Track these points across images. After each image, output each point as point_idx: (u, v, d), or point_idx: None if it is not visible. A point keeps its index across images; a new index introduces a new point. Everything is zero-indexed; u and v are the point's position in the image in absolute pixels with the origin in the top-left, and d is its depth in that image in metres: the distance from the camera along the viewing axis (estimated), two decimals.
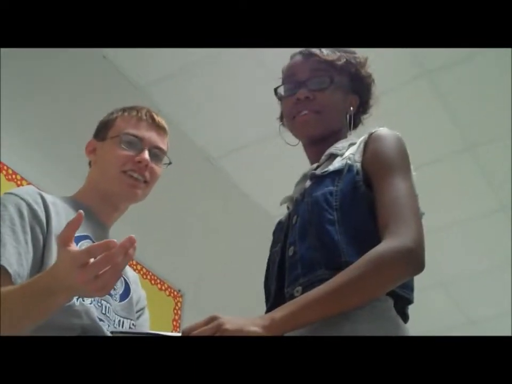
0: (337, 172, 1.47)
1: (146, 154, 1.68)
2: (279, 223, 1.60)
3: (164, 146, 1.75)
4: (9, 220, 1.50)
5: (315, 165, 1.57)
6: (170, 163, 1.77)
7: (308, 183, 1.53)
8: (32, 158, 2.83)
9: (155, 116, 1.76)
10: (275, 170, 3.86)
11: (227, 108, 3.67)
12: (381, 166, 1.44)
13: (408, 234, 1.32)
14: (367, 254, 1.31)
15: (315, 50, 1.63)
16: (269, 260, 1.56)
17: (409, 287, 1.41)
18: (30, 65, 2.95)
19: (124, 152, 1.68)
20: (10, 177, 2.69)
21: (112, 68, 3.41)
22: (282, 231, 1.54)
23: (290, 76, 1.66)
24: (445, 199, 4.01)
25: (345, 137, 1.61)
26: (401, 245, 1.30)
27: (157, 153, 1.73)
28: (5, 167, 2.69)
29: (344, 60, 1.63)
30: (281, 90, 1.67)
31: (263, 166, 3.97)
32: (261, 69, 3.36)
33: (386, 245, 1.31)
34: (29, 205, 1.54)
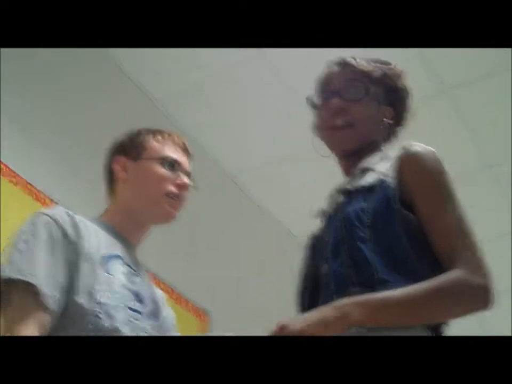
0: (370, 188, 1.44)
1: (186, 178, 1.73)
2: (313, 237, 1.58)
3: (191, 172, 1.79)
4: (40, 240, 1.51)
5: (348, 179, 1.55)
6: (196, 187, 1.79)
7: (341, 198, 1.51)
8: (54, 173, 2.86)
9: (185, 141, 1.80)
10: (297, 187, 3.87)
11: (249, 125, 3.68)
12: (430, 191, 1.42)
13: (484, 271, 1.33)
14: (449, 278, 1.32)
15: (350, 60, 1.60)
16: (301, 273, 1.54)
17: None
18: (50, 80, 3.00)
19: (166, 174, 1.71)
20: (14, 179, 2.71)
21: (130, 82, 3.41)
22: (314, 246, 1.53)
23: (324, 85, 1.63)
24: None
25: (380, 150, 1.59)
26: (481, 282, 1.32)
27: (189, 179, 1.76)
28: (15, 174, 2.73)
29: (380, 71, 1.61)
30: (314, 99, 1.65)
31: (284, 184, 3.97)
32: (283, 87, 3.38)
33: (467, 276, 1.32)
34: (60, 226, 1.55)
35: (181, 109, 3.55)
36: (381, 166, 1.49)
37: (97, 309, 1.49)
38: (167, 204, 1.69)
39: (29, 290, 1.44)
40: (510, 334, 4.20)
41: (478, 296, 1.32)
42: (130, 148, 1.76)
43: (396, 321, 1.31)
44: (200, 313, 3.48)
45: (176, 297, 3.32)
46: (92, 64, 3.21)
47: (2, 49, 2.54)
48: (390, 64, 1.66)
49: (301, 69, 3.19)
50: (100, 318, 1.48)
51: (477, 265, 1.34)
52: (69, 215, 1.59)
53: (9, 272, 1.45)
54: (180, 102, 3.53)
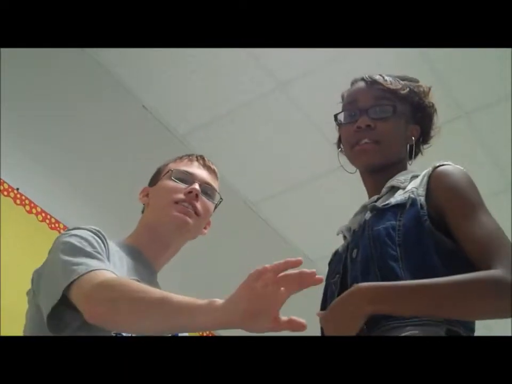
0: (400, 206, 1.43)
1: (196, 185, 1.71)
2: (336, 254, 1.57)
3: (214, 184, 1.78)
4: (84, 241, 1.51)
5: (375, 197, 1.54)
6: (221, 200, 1.79)
7: (368, 215, 1.49)
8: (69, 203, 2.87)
9: (206, 159, 1.81)
10: (314, 214, 3.86)
11: (265, 154, 3.70)
12: (460, 203, 1.40)
13: None
14: (487, 274, 1.27)
15: (378, 78, 1.61)
16: (325, 290, 1.53)
17: (472, 330, 1.38)
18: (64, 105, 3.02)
19: (175, 185, 1.71)
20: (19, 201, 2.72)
21: (151, 116, 3.46)
22: (340, 262, 1.51)
23: (351, 102, 1.62)
24: None
25: (405, 168, 1.59)
26: None
27: (207, 189, 1.75)
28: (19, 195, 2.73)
29: (408, 89, 1.61)
30: (341, 117, 1.64)
31: (301, 210, 3.97)
32: (298, 113, 3.39)
33: (506, 275, 1.26)
34: (97, 235, 1.56)
35: (200, 140, 3.57)
36: (410, 185, 1.49)
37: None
38: (175, 210, 1.68)
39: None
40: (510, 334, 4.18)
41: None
42: (152, 178, 1.81)
43: (417, 309, 1.28)
44: None
45: None
46: (106, 95, 3.23)
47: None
48: (417, 81, 1.66)
49: (319, 97, 3.21)
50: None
51: None
52: (100, 232, 1.60)
53: (80, 269, 1.42)
54: (198, 134, 3.57)
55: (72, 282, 1.40)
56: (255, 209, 3.99)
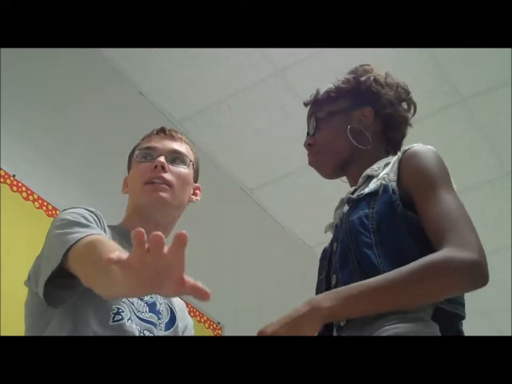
0: (372, 194, 1.45)
1: (161, 158, 1.69)
2: (324, 250, 1.58)
3: (181, 149, 1.75)
4: (80, 217, 1.53)
5: (352, 189, 1.57)
6: (191, 161, 1.76)
7: (346, 207, 1.52)
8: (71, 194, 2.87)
9: (166, 129, 1.78)
10: (311, 201, 3.86)
11: (262, 140, 3.69)
12: (423, 181, 1.42)
13: (473, 246, 1.29)
14: (430, 258, 1.29)
15: (310, 97, 1.71)
16: (317, 286, 1.55)
17: (460, 303, 1.38)
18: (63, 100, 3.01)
19: (141, 166, 1.71)
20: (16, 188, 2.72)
21: (148, 102, 3.45)
22: (326, 259, 1.54)
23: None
24: (483, 228, 3.95)
25: (382, 153, 1.61)
26: (468, 256, 1.28)
27: (175, 157, 1.73)
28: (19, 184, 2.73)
29: (327, 88, 1.67)
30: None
31: (298, 197, 3.97)
32: (295, 99, 3.38)
33: (452, 253, 1.28)
34: (94, 213, 1.59)
35: (197, 127, 3.56)
36: (383, 171, 1.50)
37: (113, 312, 1.51)
38: (148, 191, 1.68)
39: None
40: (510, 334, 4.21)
41: (465, 271, 1.27)
42: (128, 166, 1.82)
43: (372, 309, 1.30)
44: (215, 327, 3.47)
45: (190, 310, 3.30)
46: (103, 82, 3.22)
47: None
48: (356, 67, 1.69)
49: (316, 84, 3.19)
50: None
51: (466, 241, 1.30)
52: (98, 214, 1.62)
53: (77, 236, 1.45)
54: (196, 120, 3.56)
55: (69, 249, 1.43)
56: (252, 195, 3.99)
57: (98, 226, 1.55)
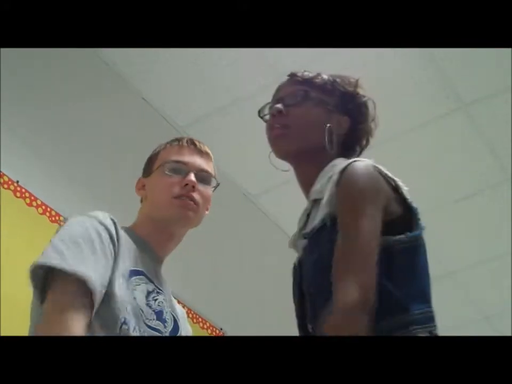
0: (319, 231, 1.43)
1: (192, 177, 1.71)
2: (294, 265, 1.59)
3: (209, 169, 1.78)
4: (90, 238, 1.54)
5: (305, 216, 1.55)
6: (218, 184, 1.79)
7: (303, 242, 1.50)
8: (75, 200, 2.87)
9: (197, 142, 1.80)
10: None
11: (266, 146, 3.69)
12: (341, 220, 1.37)
13: (355, 297, 1.25)
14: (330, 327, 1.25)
15: (297, 71, 1.63)
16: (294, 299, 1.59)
17: (430, 318, 1.35)
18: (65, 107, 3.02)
19: (170, 179, 1.71)
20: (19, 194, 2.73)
21: (151, 109, 3.46)
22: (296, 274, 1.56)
23: (273, 96, 1.68)
24: (486, 233, 3.96)
25: (332, 158, 1.54)
26: (349, 305, 1.24)
27: (203, 176, 1.75)
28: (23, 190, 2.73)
29: (325, 77, 1.61)
30: (264, 110, 1.70)
31: (301, 204, 3.96)
32: None
33: (333, 322, 1.25)
34: (107, 229, 1.58)
35: (199, 133, 3.56)
36: (326, 194, 1.45)
37: (120, 322, 1.51)
38: (175, 205, 1.69)
39: (79, 284, 1.46)
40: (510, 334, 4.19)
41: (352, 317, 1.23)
42: (145, 167, 1.82)
43: None
44: (218, 333, 3.47)
45: (193, 316, 3.31)
46: (106, 88, 3.23)
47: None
48: (345, 76, 1.65)
49: None
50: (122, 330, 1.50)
51: (350, 294, 1.25)
52: (112, 220, 1.62)
53: (60, 263, 1.47)
54: (197, 127, 3.55)
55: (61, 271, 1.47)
56: (255, 202, 3.99)
57: (108, 246, 1.56)
